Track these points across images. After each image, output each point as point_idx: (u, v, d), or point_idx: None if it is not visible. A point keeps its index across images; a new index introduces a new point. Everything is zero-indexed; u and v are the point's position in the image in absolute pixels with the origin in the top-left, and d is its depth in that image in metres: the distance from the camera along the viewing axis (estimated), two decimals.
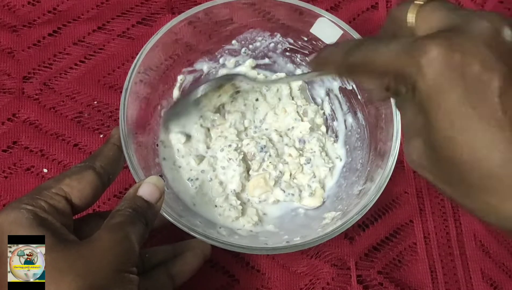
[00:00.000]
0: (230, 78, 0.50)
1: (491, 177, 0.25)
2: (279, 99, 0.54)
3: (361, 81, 0.37)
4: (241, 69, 0.54)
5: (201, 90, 0.48)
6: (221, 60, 0.54)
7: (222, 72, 0.54)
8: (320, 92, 0.55)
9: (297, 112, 0.53)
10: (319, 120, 0.54)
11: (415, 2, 0.29)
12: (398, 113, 0.46)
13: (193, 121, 0.51)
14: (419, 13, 0.29)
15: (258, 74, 0.55)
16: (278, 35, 0.53)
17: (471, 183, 0.26)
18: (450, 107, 0.26)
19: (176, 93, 0.53)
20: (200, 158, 0.50)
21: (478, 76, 0.25)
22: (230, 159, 0.49)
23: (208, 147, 0.51)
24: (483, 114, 0.25)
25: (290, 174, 0.51)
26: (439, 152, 0.27)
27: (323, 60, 0.34)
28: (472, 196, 0.27)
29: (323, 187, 0.51)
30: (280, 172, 0.51)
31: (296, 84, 0.55)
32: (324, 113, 0.55)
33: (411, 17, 0.29)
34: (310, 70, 0.41)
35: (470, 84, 0.25)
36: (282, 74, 0.55)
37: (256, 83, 0.51)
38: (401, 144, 0.45)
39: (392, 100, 0.44)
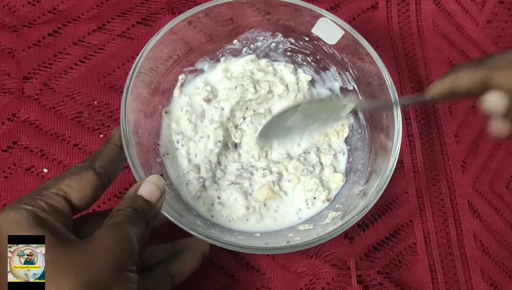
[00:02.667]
0: (337, 106, 0.49)
1: None
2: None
3: (500, 81, 0.37)
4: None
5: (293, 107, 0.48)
6: (222, 60, 0.54)
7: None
8: (321, 92, 0.55)
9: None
10: None
11: None
12: (399, 113, 0.46)
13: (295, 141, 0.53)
14: None
15: None
16: (280, 35, 0.53)
17: None
18: None
19: (176, 92, 0.53)
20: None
21: None
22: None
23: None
24: None
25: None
26: None
27: (459, 67, 0.37)
28: None
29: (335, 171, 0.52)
30: (279, 173, 0.51)
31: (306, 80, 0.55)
32: None
33: None
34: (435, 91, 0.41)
35: None
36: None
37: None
38: (401, 144, 0.45)
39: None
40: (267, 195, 0.49)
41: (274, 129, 0.49)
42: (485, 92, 0.38)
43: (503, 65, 0.37)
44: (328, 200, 0.51)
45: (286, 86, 0.54)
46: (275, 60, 0.55)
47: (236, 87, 0.51)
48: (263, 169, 0.51)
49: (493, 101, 0.38)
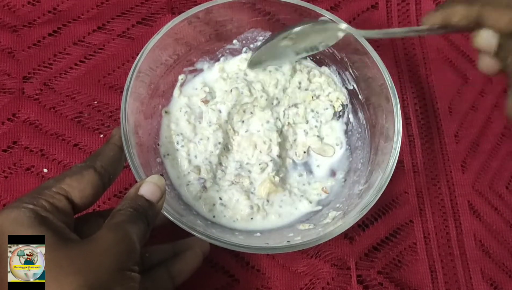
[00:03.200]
0: (329, 28, 0.49)
1: None
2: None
3: (491, 19, 0.37)
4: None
5: (287, 32, 0.48)
6: (222, 60, 0.54)
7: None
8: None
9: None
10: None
11: None
12: (399, 113, 0.46)
13: (288, 60, 0.52)
14: None
15: None
16: None
17: None
18: None
19: (176, 92, 0.53)
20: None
21: None
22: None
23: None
24: None
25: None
26: None
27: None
28: None
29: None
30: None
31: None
32: None
33: None
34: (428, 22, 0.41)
35: None
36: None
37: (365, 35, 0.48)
38: (401, 144, 0.45)
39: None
40: (269, 189, 0.49)
41: (266, 54, 0.50)
42: (477, 28, 0.38)
43: (495, 3, 0.37)
44: (325, 191, 0.51)
45: (277, 82, 0.53)
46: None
47: (231, 90, 0.51)
48: (259, 164, 0.50)
49: (484, 38, 0.38)
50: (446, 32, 0.45)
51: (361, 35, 0.47)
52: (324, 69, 0.54)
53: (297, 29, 0.47)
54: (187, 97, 0.53)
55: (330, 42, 0.50)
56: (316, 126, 0.53)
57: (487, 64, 0.40)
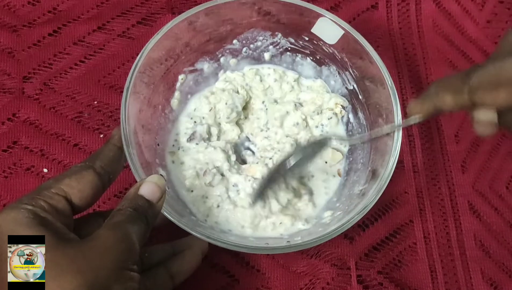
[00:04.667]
0: (324, 143, 0.50)
1: None
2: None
3: (484, 102, 0.38)
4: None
5: (293, 159, 0.48)
6: (221, 60, 0.54)
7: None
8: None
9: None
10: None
11: None
12: (399, 113, 0.46)
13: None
14: None
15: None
16: (279, 34, 0.53)
17: None
18: None
19: (177, 92, 0.53)
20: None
21: None
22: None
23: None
24: None
25: None
26: None
27: (441, 87, 0.37)
28: None
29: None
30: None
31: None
32: None
33: None
34: (414, 114, 0.42)
35: None
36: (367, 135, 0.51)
37: (347, 141, 0.52)
38: (401, 144, 0.45)
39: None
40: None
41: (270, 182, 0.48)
42: (471, 108, 0.39)
43: (482, 87, 0.37)
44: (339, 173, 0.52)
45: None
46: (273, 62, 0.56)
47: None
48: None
49: (486, 116, 0.39)
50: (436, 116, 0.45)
51: (348, 143, 0.51)
52: (314, 82, 0.55)
53: (293, 162, 0.48)
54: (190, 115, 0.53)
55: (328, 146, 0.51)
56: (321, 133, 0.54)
57: (484, 130, 0.40)
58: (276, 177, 0.48)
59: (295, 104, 0.54)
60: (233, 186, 0.49)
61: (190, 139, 0.51)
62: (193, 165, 0.50)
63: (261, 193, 0.47)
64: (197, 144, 0.51)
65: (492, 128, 0.40)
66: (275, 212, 0.48)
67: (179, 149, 0.51)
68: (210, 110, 0.52)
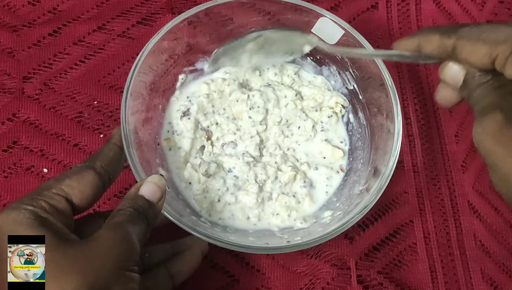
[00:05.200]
0: (295, 30, 0.49)
1: None
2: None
3: (463, 52, 0.37)
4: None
5: (256, 34, 0.48)
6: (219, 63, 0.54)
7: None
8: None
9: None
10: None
11: None
12: (399, 113, 0.46)
13: (245, 61, 0.51)
14: None
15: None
16: None
17: None
18: None
19: (177, 92, 0.53)
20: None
21: None
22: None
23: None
24: None
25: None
26: None
27: (432, 28, 0.38)
28: None
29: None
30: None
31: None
32: None
33: None
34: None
35: None
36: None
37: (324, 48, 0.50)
38: (401, 144, 0.45)
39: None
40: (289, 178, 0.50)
41: (232, 51, 0.49)
42: (447, 60, 0.38)
43: (472, 37, 0.36)
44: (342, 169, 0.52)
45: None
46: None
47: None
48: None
49: (452, 71, 0.38)
50: (416, 61, 0.45)
51: (328, 49, 0.49)
52: (315, 78, 0.55)
53: (263, 32, 0.48)
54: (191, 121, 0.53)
55: (296, 53, 0.50)
56: (322, 130, 0.53)
57: (445, 95, 0.40)
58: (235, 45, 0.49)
59: (296, 94, 0.53)
60: (229, 171, 0.49)
61: (183, 116, 0.51)
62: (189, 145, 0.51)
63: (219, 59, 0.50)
64: (189, 118, 0.51)
65: (454, 94, 0.39)
66: (275, 190, 0.49)
67: (173, 134, 0.51)
68: (208, 95, 0.53)
